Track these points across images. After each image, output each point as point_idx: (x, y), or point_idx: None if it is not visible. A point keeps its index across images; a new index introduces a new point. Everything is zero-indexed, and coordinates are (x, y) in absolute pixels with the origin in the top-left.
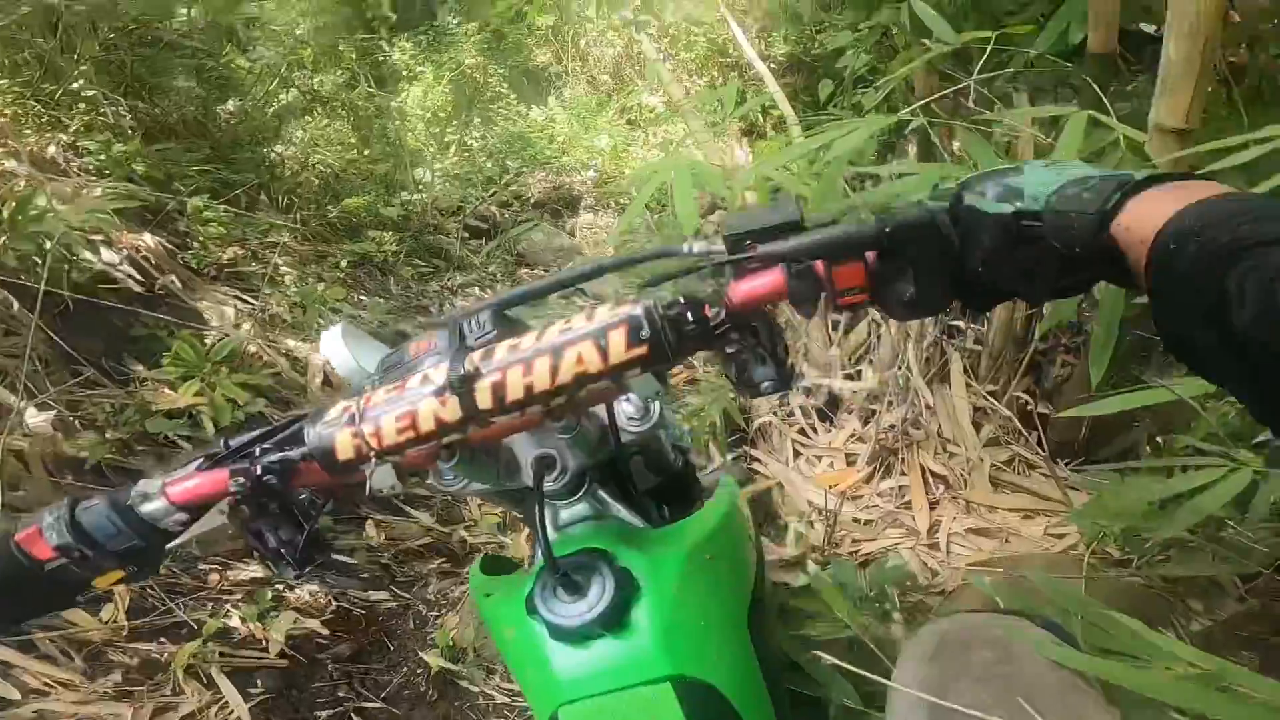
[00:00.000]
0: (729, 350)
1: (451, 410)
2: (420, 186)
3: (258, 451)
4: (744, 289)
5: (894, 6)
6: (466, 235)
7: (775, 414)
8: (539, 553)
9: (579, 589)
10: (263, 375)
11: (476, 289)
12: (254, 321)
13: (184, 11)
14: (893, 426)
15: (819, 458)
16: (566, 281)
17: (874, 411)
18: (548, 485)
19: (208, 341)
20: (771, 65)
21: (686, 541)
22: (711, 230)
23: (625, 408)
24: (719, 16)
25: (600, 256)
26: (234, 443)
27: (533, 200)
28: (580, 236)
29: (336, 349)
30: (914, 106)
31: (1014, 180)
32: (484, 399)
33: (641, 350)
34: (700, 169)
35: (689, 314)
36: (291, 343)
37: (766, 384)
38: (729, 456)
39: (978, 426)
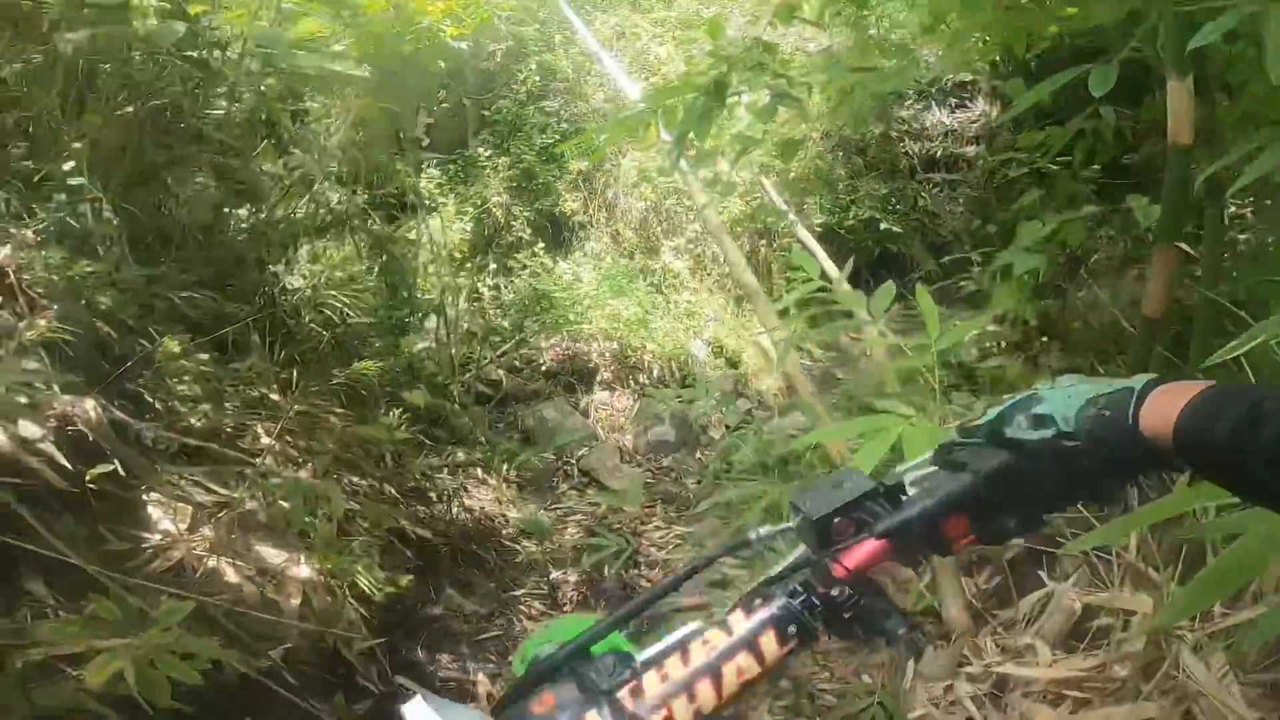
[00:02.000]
0: (856, 615)
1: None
2: (431, 338)
3: None
4: (853, 560)
5: None
6: (470, 401)
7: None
8: None
9: None
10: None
11: (479, 470)
12: (219, 523)
13: (225, 94)
14: None
15: None
16: (665, 590)
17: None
18: None
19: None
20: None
21: None
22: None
23: None
24: (754, 178)
25: (690, 564)
26: None
27: (544, 368)
28: (595, 416)
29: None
30: None
31: (1039, 409)
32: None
33: (793, 644)
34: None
35: (817, 598)
36: (267, 551)
37: (900, 629)
38: None
39: None
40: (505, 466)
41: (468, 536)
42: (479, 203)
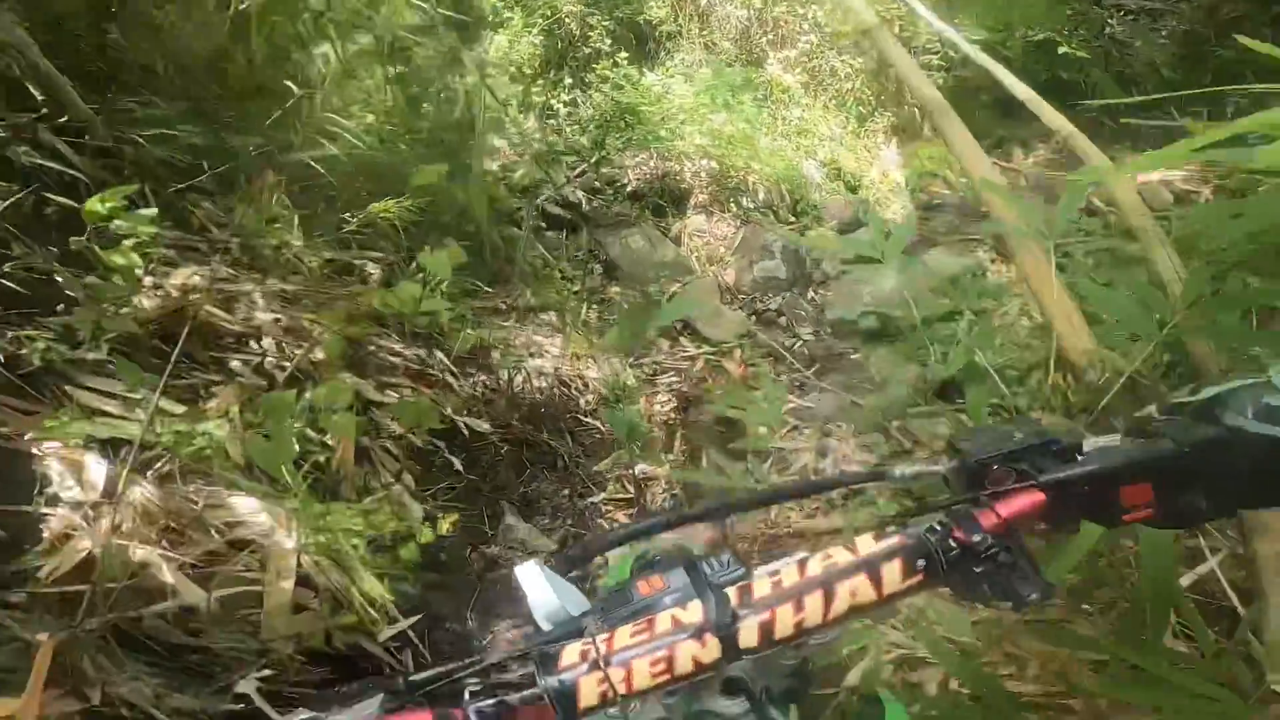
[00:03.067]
0: (987, 569)
1: (710, 651)
2: (493, 159)
3: (464, 693)
4: (1006, 510)
5: None
6: (543, 225)
7: None
8: None
9: None
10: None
11: (551, 315)
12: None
13: None
14: None
15: None
16: (777, 497)
17: None
18: (732, 709)
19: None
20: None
21: None
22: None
23: None
24: None
25: (813, 480)
26: (418, 678)
27: (629, 189)
28: (689, 246)
29: (539, 585)
30: None
31: (1273, 400)
32: (748, 638)
33: (917, 579)
34: None
35: (954, 538)
36: (238, 501)
37: (1033, 595)
38: None
39: None
40: (584, 307)
41: (535, 419)
42: (550, 13)
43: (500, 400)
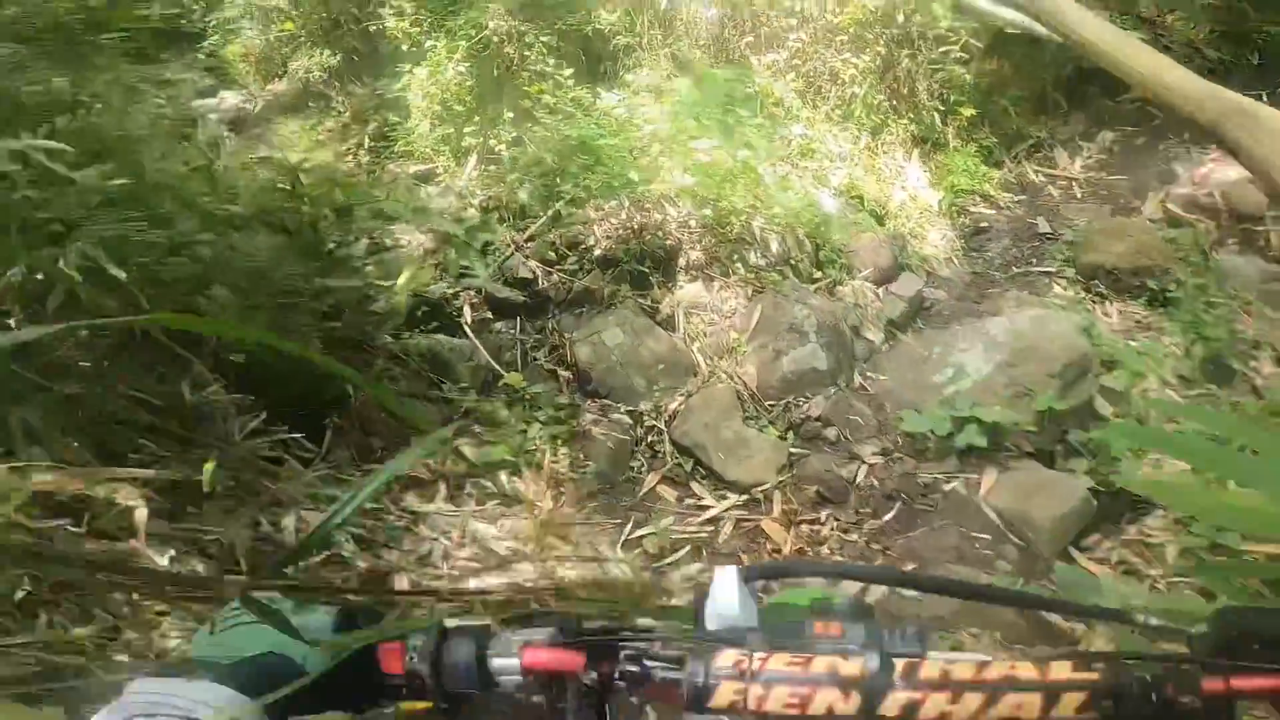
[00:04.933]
0: None
1: (849, 706)
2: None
3: (620, 652)
4: (1241, 684)
5: None
6: (489, 316)
7: None
8: None
9: None
10: None
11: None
12: None
13: None
14: None
15: None
16: (1002, 598)
17: None
18: None
19: None
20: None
21: None
22: None
23: None
24: None
25: (1041, 596)
26: (589, 625)
27: (598, 252)
28: (685, 329)
29: (731, 593)
30: None
31: None
32: (890, 709)
33: (1091, 715)
34: None
35: (1155, 694)
36: None
37: None
38: None
39: None
40: (550, 449)
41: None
42: (473, 32)
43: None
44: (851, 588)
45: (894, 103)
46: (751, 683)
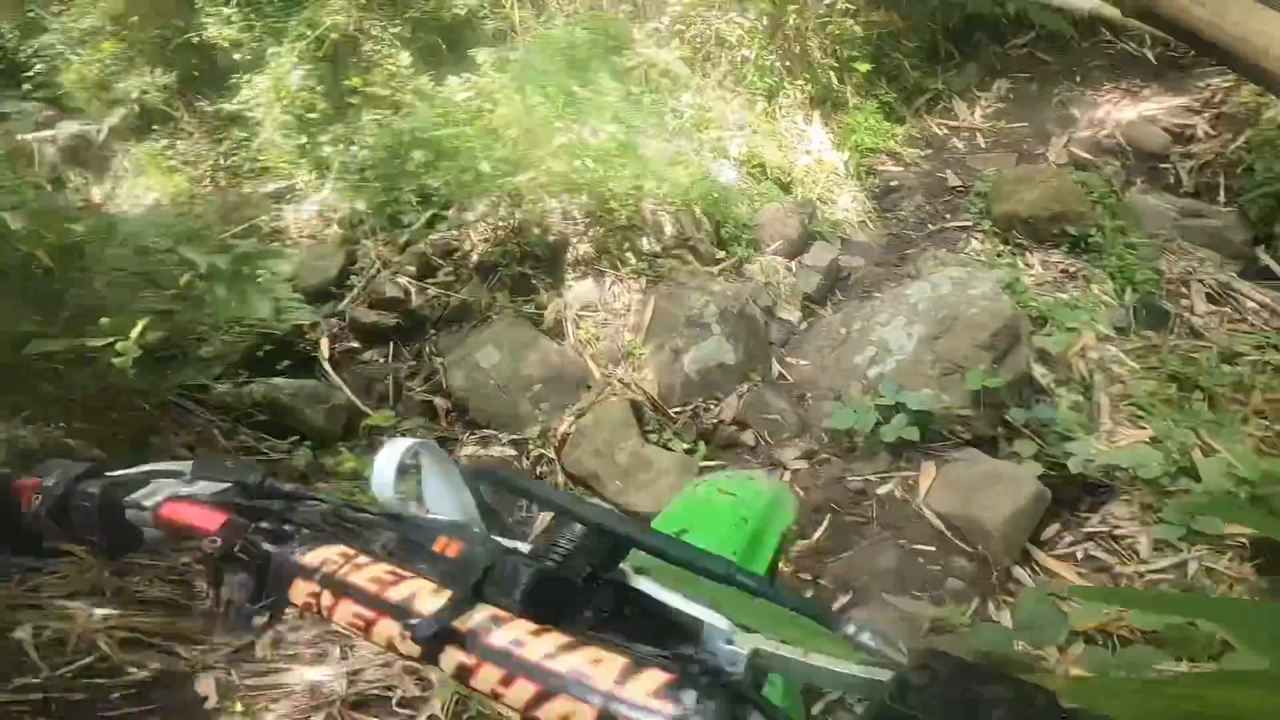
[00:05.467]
0: None
1: (408, 648)
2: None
3: (269, 508)
4: None
5: None
6: (355, 345)
7: None
8: None
9: None
10: None
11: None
12: None
13: None
14: None
15: None
16: (658, 547)
17: None
18: None
19: None
20: None
21: None
22: None
23: None
24: None
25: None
26: (272, 488)
27: (475, 258)
28: (576, 336)
29: (388, 468)
30: None
31: None
32: (448, 665)
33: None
34: None
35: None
36: None
37: None
38: None
39: None
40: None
41: None
42: (308, 31)
43: None
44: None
45: (787, 64)
46: (325, 588)
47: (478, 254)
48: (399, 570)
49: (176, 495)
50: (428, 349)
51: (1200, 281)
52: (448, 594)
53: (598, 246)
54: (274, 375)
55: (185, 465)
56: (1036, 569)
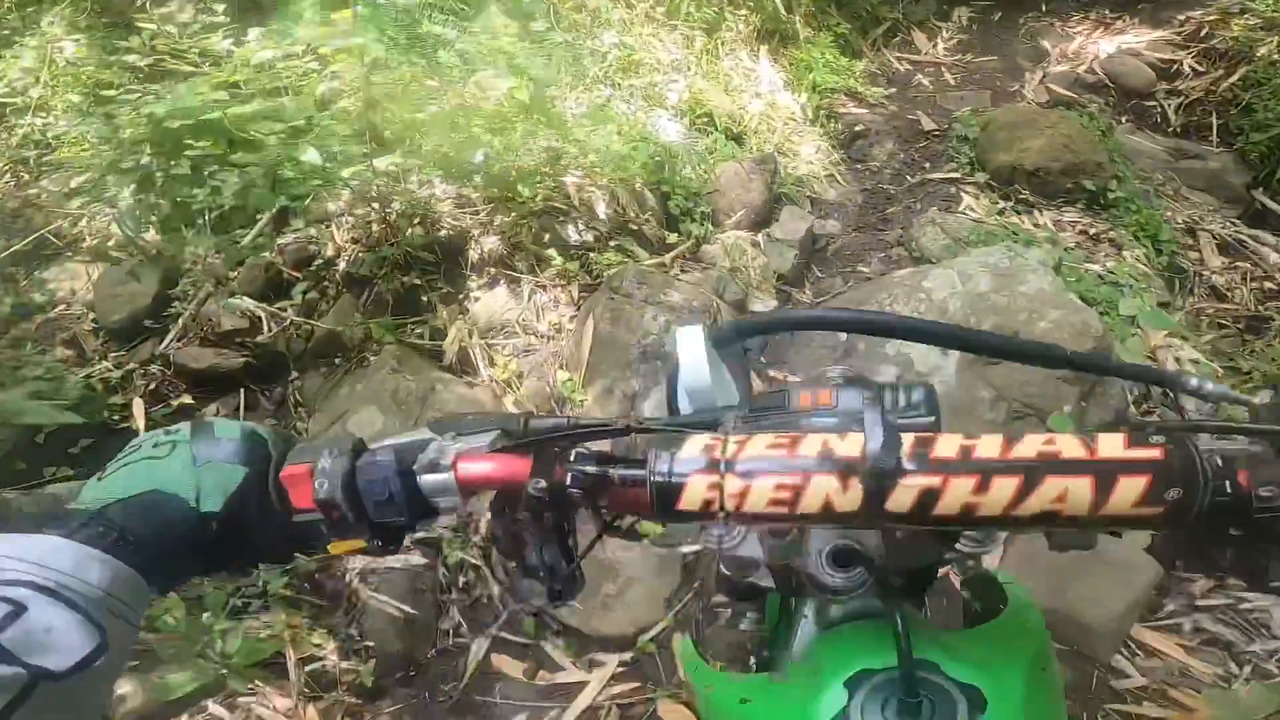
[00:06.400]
0: (1249, 534)
1: (850, 499)
2: None
3: (571, 453)
4: None
5: None
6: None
7: None
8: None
9: (917, 711)
10: None
11: None
12: None
13: None
14: None
15: None
16: (993, 347)
17: None
18: (840, 580)
19: None
20: None
21: (1025, 650)
22: None
23: None
24: None
25: (1045, 345)
26: (538, 425)
27: (341, 266)
28: (488, 373)
29: (696, 353)
30: None
31: None
32: (901, 501)
33: (1156, 510)
34: None
35: (1228, 483)
36: None
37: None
38: None
39: None
40: (297, 638)
41: None
42: None
43: None
44: None
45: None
46: (726, 474)
47: (345, 261)
48: (782, 436)
49: (462, 452)
50: (292, 397)
51: (1208, 231)
52: (858, 437)
53: (508, 241)
54: (64, 464)
55: (440, 427)
56: (1134, 649)
